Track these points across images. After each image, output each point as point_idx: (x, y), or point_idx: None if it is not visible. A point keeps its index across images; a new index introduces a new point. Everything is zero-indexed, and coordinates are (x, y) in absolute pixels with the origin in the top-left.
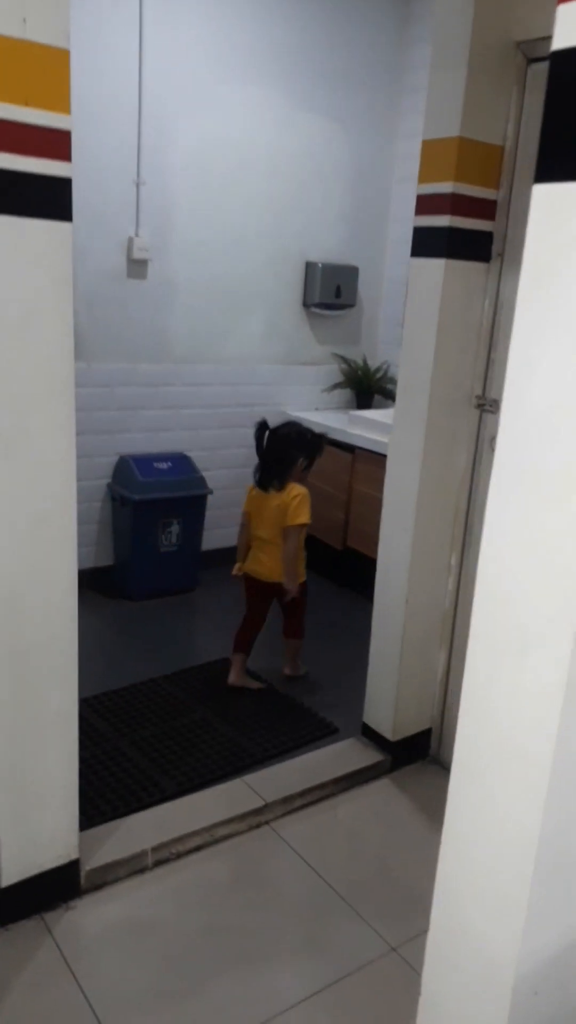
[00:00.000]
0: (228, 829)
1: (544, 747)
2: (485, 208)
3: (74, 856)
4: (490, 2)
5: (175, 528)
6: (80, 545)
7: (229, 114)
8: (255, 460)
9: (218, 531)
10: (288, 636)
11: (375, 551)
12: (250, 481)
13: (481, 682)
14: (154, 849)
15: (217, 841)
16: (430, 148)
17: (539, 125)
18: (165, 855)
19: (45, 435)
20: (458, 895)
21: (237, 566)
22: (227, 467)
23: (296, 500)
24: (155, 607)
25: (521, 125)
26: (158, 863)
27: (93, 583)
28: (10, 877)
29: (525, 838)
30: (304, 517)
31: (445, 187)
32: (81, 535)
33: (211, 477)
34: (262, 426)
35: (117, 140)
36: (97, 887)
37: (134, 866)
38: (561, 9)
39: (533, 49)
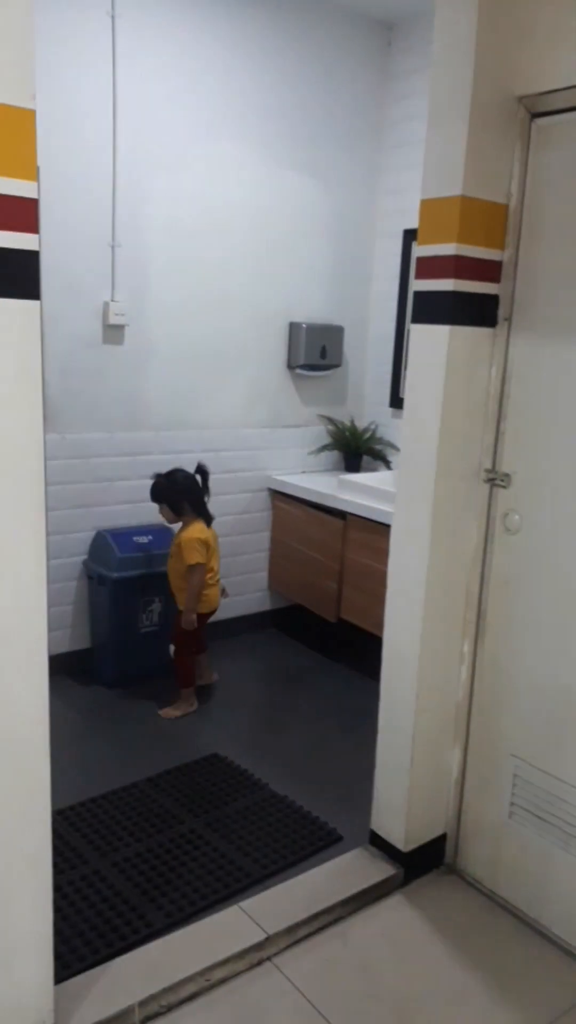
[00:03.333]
0: (225, 971)
1: None
2: (490, 270)
3: (48, 1022)
4: (490, 55)
5: (156, 606)
6: (52, 629)
7: (205, 172)
8: (240, 528)
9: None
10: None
11: (371, 624)
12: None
13: None
14: (141, 1004)
15: (213, 986)
16: (430, 208)
17: (545, 181)
18: (155, 1009)
19: (6, 537)
20: None
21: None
22: None
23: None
24: (135, 694)
25: (526, 182)
26: (146, 1020)
27: (67, 668)
28: None
29: None
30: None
31: (448, 249)
32: (54, 618)
33: None
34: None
35: (90, 202)
36: None
37: None
38: None
39: (536, 104)
